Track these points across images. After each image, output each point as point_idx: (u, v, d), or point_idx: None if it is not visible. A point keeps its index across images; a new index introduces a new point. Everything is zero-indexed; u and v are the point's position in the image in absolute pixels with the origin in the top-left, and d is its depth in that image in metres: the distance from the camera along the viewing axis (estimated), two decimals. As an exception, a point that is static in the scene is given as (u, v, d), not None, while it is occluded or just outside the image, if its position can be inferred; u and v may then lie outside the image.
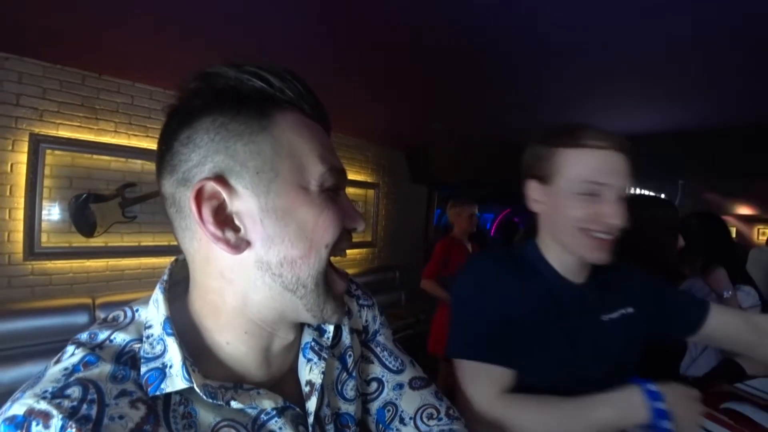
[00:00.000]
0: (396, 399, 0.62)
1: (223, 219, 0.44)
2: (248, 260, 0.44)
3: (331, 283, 0.49)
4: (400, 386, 0.63)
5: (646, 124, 3.09)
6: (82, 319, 2.39)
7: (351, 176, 4.43)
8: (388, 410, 0.62)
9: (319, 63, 2.28)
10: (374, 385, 0.63)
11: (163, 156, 0.45)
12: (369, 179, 4.68)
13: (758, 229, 6.03)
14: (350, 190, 4.43)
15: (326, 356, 0.55)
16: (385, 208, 4.94)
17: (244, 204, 0.44)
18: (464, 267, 0.86)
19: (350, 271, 4.28)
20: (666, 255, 1.40)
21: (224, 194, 0.43)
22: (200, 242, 0.45)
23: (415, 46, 1.99)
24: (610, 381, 0.79)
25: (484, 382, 0.74)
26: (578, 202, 0.75)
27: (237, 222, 0.44)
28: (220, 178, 0.43)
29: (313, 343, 0.55)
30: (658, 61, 1.93)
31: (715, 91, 2.33)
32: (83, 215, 2.57)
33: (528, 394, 0.73)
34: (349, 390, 0.58)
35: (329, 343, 0.57)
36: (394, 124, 3.84)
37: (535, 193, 0.82)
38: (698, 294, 1.36)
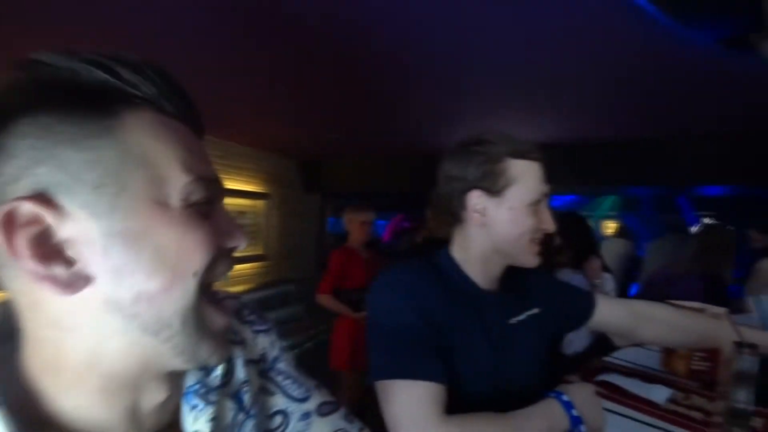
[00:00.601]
0: (305, 430, 0.56)
1: (49, 250, 0.33)
2: (92, 300, 0.34)
3: (206, 319, 0.40)
4: (307, 416, 0.57)
5: (531, 135, 3.47)
6: None
7: (241, 186, 4.17)
8: None
9: (207, 65, 2.08)
10: (278, 420, 0.56)
11: None
12: (260, 189, 4.44)
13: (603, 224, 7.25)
14: (240, 202, 4.14)
15: (215, 399, 0.46)
16: (278, 220, 4.73)
17: (79, 228, 0.34)
18: (379, 280, 0.82)
19: (242, 288, 4.01)
20: (548, 249, 1.58)
21: (49, 217, 0.33)
22: (24, 282, 0.34)
23: (309, 54, 1.94)
24: (530, 383, 0.83)
25: (419, 403, 0.69)
26: (529, 212, 0.78)
27: (70, 252, 0.34)
28: (42, 197, 0.32)
29: (198, 387, 0.46)
30: (544, 78, 2.17)
31: (588, 108, 2.71)
32: None
33: (465, 414, 0.70)
34: None
35: (219, 383, 0.47)
36: (287, 132, 3.71)
37: (479, 204, 0.80)
38: (571, 282, 1.55)
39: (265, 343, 0.58)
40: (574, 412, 0.73)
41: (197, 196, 0.38)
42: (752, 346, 0.66)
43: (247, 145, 4.20)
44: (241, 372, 0.51)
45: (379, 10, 1.57)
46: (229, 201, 3.97)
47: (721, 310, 1.21)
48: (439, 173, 0.83)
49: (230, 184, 4.02)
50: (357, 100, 2.67)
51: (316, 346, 3.66)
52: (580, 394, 0.76)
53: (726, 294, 1.88)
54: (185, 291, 0.37)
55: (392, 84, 2.36)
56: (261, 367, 0.56)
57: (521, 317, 0.87)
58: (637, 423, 0.99)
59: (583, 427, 0.73)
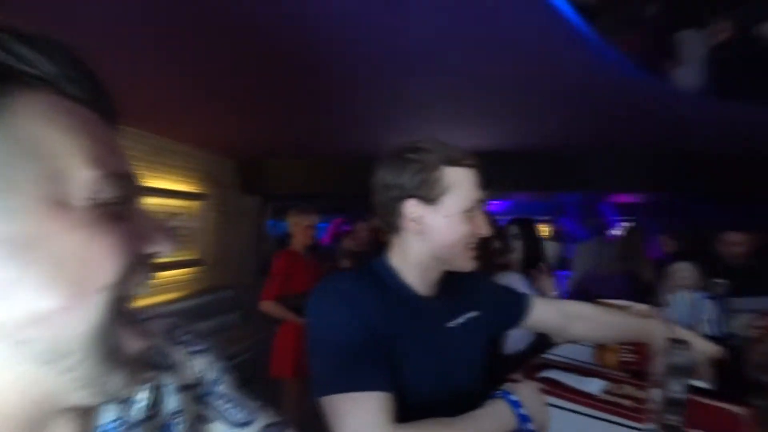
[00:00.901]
0: None
1: None
2: None
3: (118, 343, 0.34)
4: None
5: (466, 140, 3.62)
6: None
7: (173, 186, 3.88)
8: None
9: (135, 53, 1.92)
10: None
11: None
12: (195, 189, 4.17)
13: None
14: (172, 202, 3.85)
15: None
16: (215, 222, 4.47)
17: None
18: (318, 290, 0.80)
19: (173, 296, 3.72)
20: (486, 252, 1.65)
21: None
22: None
23: (244, 49, 1.86)
24: (472, 385, 0.86)
25: (368, 414, 0.68)
26: (465, 219, 0.79)
27: None
28: None
29: (117, 423, 0.39)
30: (480, 87, 2.26)
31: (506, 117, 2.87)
32: None
33: (417, 422, 0.70)
34: None
35: (143, 416, 0.41)
36: (225, 130, 3.53)
37: (415, 212, 0.79)
38: (515, 285, 1.63)
39: (202, 365, 0.52)
40: (522, 411, 0.76)
41: (107, 194, 0.32)
42: (684, 342, 0.74)
43: (181, 142, 3.92)
44: (172, 401, 0.45)
45: (318, 13, 1.56)
46: (159, 201, 3.67)
47: (644, 307, 1.34)
48: (374, 181, 0.83)
49: (160, 183, 3.72)
50: (295, 99, 2.60)
51: (255, 356, 3.50)
52: (526, 392, 0.80)
53: (647, 291, 2.08)
54: (90, 310, 0.31)
55: (331, 84, 2.33)
56: (198, 392, 0.51)
57: (460, 320, 0.89)
58: (576, 414, 1.05)
59: (530, 425, 0.76)
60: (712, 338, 1.02)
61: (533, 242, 1.93)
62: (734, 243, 2.34)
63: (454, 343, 0.86)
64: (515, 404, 0.76)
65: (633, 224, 2.54)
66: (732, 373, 1.04)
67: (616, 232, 3.65)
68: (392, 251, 0.86)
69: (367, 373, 0.71)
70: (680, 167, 3.81)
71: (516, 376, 1.22)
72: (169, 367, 0.47)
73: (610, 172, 4.01)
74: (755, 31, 1.89)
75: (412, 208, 0.79)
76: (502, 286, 1.10)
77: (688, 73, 1.99)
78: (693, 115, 2.50)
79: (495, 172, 3.91)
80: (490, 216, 2.06)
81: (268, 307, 2.50)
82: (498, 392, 0.80)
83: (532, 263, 1.90)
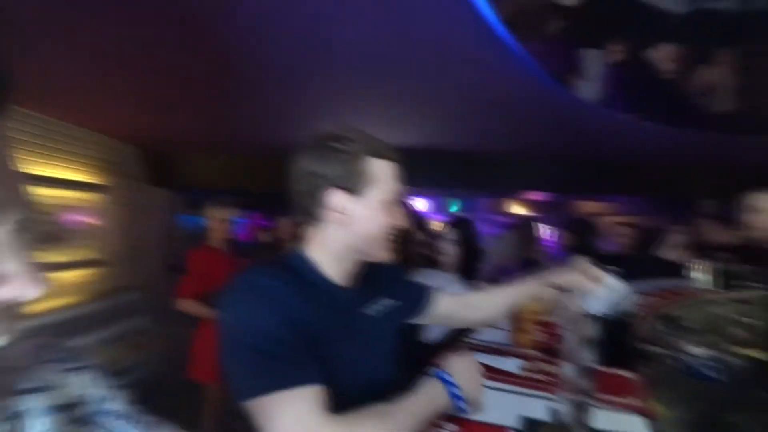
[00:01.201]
0: None
1: None
2: None
3: None
4: None
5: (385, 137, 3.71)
6: None
7: (68, 175, 3.44)
8: None
9: (33, 27, 1.70)
10: None
11: None
12: (95, 180, 3.73)
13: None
14: (67, 194, 3.41)
15: None
16: (119, 217, 4.04)
17: None
18: (233, 287, 0.76)
19: (70, 301, 3.29)
20: (411, 246, 1.72)
21: None
22: None
23: (149, 31, 1.73)
24: (391, 373, 0.89)
25: (302, 411, 0.66)
26: (387, 211, 0.80)
27: None
28: None
29: None
30: (401, 88, 2.32)
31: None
32: None
33: (354, 412, 0.69)
34: None
35: None
36: (132, 116, 3.20)
37: (339, 203, 0.78)
38: (448, 284, 1.72)
39: (83, 382, 0.49)
40: (455, 390, 0.79)
41: None
42: (594, 316, 0.84)
43: (79, 126, 3.48)
44: (38, 425, 0.42)
45: (236, 4, 1.50)
46: (50, 192, 3.22)
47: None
48: (294, 169, 0.80)
49: (53, 172, 3.27)
50: (212, 89, 2.47)
51: (170, 361, 3.24)
52: (460, 366, 0.83)
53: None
54: None
55: (249, 77, 2.25)
56: (78, 412, 0.48)
57: (377, 308, 0.90)
58: (499, 392, 1.15)
59: (462, 403, 0.80)
60: (610, 315, 1.16)
61: (471, 243, 2.01)
62: (624, 234, 2.72)
63: (373, 331, 0.87)
64: (448, 383, 0.80)
65: (527, 218, 2.83)
66: (623, 345, 1.21)
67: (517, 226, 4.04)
68: (310, 242, 0.84)
69: (295, 369, 0.69)
70: (581, 170, 4.35)
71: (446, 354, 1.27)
72: (36, 389, 0.43)
73: (520, 173, 4.43)
74: (643, 55, 2.24)
75: (335, 198, 0.78)
76: (408, 279, 1.13)
77: (589, 86, 2.27)
78: (594, 124, 2.84)
79: (412, 169, 4.09)
80: (410, 208, 2.11)
81: (186, 305, 2.33)
82: (432, 371, 0.82)
83: (469, 263, 1.98)
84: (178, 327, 2.57)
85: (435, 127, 3.31)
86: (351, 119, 3.02)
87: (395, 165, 0.82)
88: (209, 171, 4.56)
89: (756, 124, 2.78)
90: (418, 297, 1.06)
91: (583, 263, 0.93)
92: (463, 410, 0.81)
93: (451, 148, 4.05)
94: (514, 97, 2.46)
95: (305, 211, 0.81)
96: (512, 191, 5.13)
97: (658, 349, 1.28)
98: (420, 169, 4.11)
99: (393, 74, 2.20)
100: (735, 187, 1.63)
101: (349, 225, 0.80)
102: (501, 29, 1.69)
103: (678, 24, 2.37)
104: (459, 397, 0.79)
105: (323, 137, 0.80)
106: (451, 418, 0.89)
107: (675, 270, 2.35)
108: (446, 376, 0.80)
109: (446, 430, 0.93)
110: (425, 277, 1.54)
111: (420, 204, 6.01)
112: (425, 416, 0.75)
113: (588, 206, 5.53)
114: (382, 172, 0.79)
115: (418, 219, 1.75)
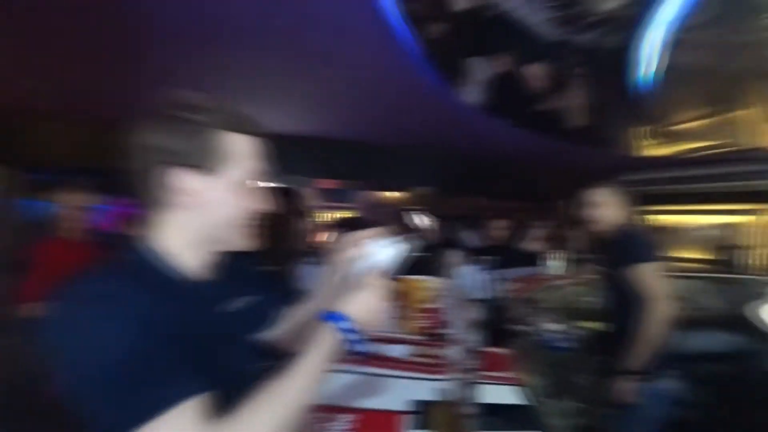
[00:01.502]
0: None
1: None
2: None
3: None
4: None
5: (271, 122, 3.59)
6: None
7: None
8: None
9: None
10: None
11: None
12: None
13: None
14: None
15: None
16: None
17: None
18: (67, 300, 0.63)
19: None
20: (294, 238, 1.67)
21: None
22: None
23: None
24: (255, 369, 0.83)
25: (191, 426, 0.58)
26: (245, 192, 0.71)
27: None
28: None
29: None
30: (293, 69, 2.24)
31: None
32: None
33: (236, 410, 0.62)
34: None
35: None
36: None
37: (189, 184, 0.68)
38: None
39: None
40: (345, 324, 0.67)
41: None
42: (483, 300, 0.92)
43: None
44: None
45: None
46: None
47: (437, 280, 1.61)
48: (129, 143, 0.68)
49: None
50: (66, 42, 2.08)
51: (27, 380, 2.66)
52: (360, 301, 0.70)
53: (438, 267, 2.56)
54: None
55: (121, 31, 1.95)
56: None
57: (242, 303, 0.82)
58: (390, 378, 1.19)
59: (361, 346, 0.67)
60: (484, 300, 1.31)
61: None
62: (499, 228, 3.05)
63: (237, 326, 0.80)
64: (337, 319, 0.68)
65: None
66: (497, 325, 1.36)
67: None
68: (154, 231, 0.73)
69: (166, 387, 0.59)
70: (458, 167, 4.84)
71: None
72: None
73: (405, 166, 4.76)
74: (519, 70, 2.55)
75: (182, 178, 0.68)
76: (273, 282, 1.05)
77: (473, 92, 2.50)
78: (473, 126, 3.13)
79: (297, 156, 4.04)
80: (276, 191, 2.02)
81: (32, 311, 1.94)
82: (324, 315, 0.69)
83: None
84: (24, 336, 2.13)
85: (326, 115, 3.32)
86: (230, 96, 2.84)
87: (257, 141, 0.72)
88: (63, 146, 3.95)
89: (599, 138, 3.52)
90: (266, 311, 0.93)
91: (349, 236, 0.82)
92: (362, 352, 0.68)
93: (332, 136, 4.08)
94: (401, 92, 2.57)
95: (145, 194, 0.69)
96: (384, 183, 5.32)
97: (523, 328, 1.48)
98: (300, 157, 4.10)
99: (282, 53, 2.11)
100: (582, 188, 1.95)
101: (201, 209, 0.70)
102: (398, 24, 1.74)
103: (548, 48, 2.78)
104: (357, 341, 0.67)
105: (169, 105, 0.68)
106: (343, 409, 0.87)
107: (535, 259, 2.79)
108: (335, 314, 0.68)
109: (341, 420, 0.93)
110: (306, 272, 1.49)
111: (310, 191, 5.95)
112: (321, 369, 0.66)
113: (464, 201, 6.09)
114: (239, 148, 0.70)
115: (297, 205, 1.65)
